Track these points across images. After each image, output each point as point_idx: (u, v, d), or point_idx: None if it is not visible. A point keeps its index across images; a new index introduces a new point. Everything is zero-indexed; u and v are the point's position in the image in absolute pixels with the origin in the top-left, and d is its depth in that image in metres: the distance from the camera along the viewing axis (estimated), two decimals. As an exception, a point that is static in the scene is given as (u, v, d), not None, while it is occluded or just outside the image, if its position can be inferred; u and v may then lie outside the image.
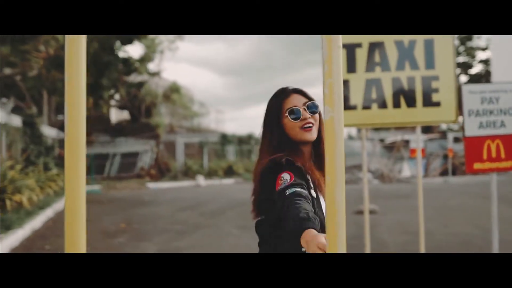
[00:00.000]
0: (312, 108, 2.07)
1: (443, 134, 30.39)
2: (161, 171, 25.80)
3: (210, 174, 26.24)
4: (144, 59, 26.49)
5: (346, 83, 5.49)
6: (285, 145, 2.05)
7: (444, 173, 24.73)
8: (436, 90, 5.56)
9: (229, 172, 26.82)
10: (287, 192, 1.83)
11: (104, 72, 20.77)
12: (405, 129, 32.93)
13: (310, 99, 2.11)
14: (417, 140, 5.85)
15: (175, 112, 32.63)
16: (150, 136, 27.38)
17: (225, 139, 29.72)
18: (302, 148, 2.09)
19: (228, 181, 25.24)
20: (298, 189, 1.83)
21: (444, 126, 35.78)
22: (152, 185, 22.31)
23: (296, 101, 2.08)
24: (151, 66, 28.39)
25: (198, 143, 28.61)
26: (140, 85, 27.91)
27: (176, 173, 25.82)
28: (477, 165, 5.51)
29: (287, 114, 2.05)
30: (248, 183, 24.46)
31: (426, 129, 34.78)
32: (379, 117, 5.47)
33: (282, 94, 2.12)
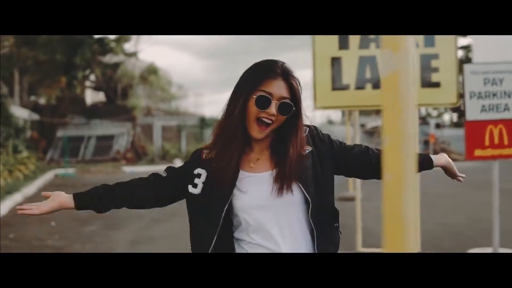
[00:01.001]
0: (285, 110, 1.79)
1: (424, 120, 30.27)
2: (137, 154, 25.18)
3: (188, 157, 25.62)
4: (120, 39, 25.63)
5: (337, 60, 5.02)
6: (237, 128, 1.82)
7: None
8: (436, 70, 5.12)
9: (208, 156, 26.25)
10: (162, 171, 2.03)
11: (77, 51, 19.94)
12: (386, 114, 32.81)
13: (292, 94, 1.81)
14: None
15: (152, 94, 31.86)
16: (126, 118, 26.65)
17: (203, 122, 29.12)
18: (251, 142, 1.88)
19: (207, 165, 24.68)
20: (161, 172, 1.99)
21: (423, 112, 35.75)
22: (128, 169, 21.68)
23: (276, 88, 1.79)
24: (128, 47, 27.54)
25: (176, 126, 28.00)
26: (116, 65, 27.07)
27: (153, 157, 25.23)
28: (478, 152, 5.10)
29: (254, 97, 1.78)
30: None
31: (407, 115, 34.73)
32: (374, 98, 5.02)
33: (267, 72, 1.81)
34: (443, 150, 25.63)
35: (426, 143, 24.82)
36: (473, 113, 5.09)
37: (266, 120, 1.78)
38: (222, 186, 1.81)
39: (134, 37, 26.70)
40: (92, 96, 32.00)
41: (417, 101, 5.10)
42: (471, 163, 23.49)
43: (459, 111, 38.61)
